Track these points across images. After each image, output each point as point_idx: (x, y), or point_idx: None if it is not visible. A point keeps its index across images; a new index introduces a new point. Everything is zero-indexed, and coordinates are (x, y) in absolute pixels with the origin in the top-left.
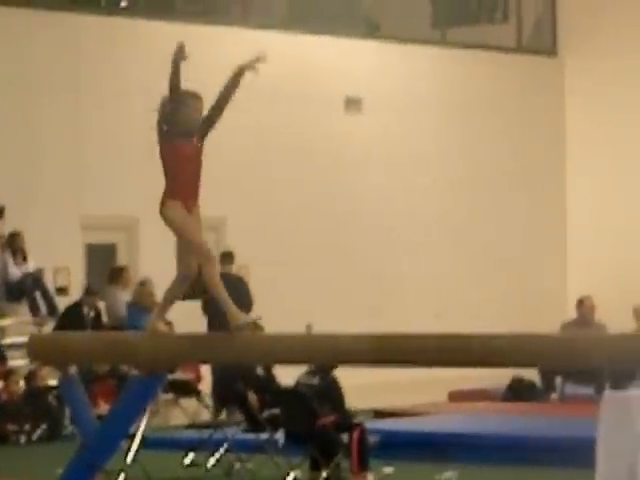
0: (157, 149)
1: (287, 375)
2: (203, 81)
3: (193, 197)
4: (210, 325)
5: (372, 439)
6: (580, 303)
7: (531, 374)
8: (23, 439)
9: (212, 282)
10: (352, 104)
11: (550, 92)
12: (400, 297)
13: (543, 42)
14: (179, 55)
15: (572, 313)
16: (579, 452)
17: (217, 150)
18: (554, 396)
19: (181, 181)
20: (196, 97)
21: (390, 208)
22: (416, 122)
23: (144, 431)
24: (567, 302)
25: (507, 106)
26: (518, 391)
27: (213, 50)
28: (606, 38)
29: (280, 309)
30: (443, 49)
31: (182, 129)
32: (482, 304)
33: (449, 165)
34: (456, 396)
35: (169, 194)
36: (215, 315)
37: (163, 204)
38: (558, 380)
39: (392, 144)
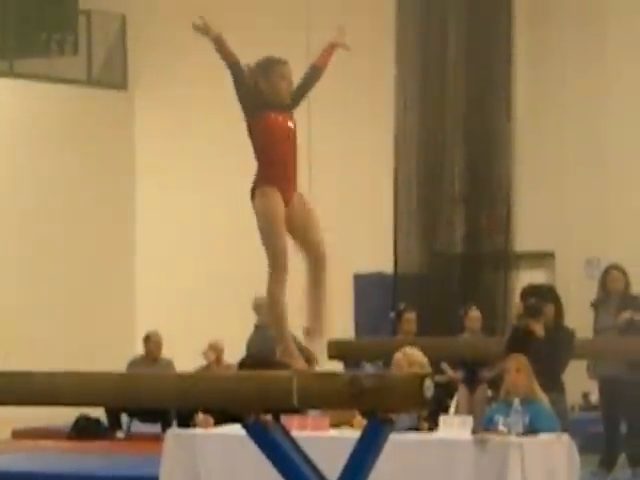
0: None
1: None
2: None
3: (291, 183)
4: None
5: None
6: (147, 339)
7: (98, 412)
8: None
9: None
10: None
11: (120, 125)
12: None
13: (114, 76)
14: (204, 31)
15: (141, 349)
16: None
17: None
18: (120, 434)
19: (277, 162)
20: (280, 62)
21: None
22: None
23: None
24: (135, 339)
25: (78, 139)
26: (84, 429)
27: None
28: (174, 73)
29: None
30: (11, 80)
31: (270, 99)
32: (51, 341)
33: (20, 198)
34: (21, 434)
35: (262, 180)
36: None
37: (255, 192)
38: (125, 417)
39: None
